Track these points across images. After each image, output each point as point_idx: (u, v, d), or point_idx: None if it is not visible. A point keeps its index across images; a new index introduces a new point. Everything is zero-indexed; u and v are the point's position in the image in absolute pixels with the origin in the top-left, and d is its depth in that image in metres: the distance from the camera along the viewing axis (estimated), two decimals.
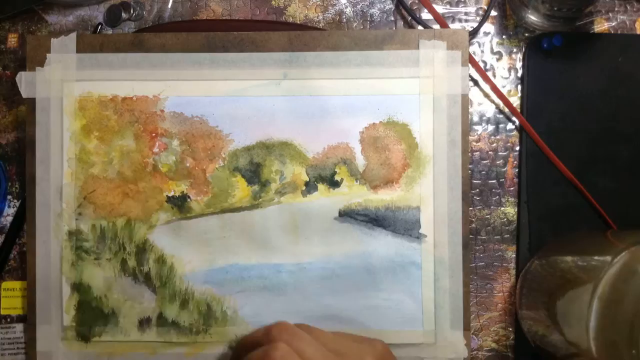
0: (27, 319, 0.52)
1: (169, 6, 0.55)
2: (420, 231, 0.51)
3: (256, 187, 0.52)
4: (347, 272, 0.51)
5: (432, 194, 0.51)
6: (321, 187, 0.52)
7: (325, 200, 0.52)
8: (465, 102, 0.51)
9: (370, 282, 0.51)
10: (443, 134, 0.51)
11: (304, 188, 0.52)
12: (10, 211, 0.54)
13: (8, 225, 0.54)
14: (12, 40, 0.55)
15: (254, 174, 0.52)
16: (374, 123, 0.52)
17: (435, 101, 0.51)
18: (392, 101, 0.51)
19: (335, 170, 0.52)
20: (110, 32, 0.55)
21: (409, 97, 0.51)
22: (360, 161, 0.52)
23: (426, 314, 0.51)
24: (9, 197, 0.55)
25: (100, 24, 0.55)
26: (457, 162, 0.51)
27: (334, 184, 0.52)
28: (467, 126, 0.51)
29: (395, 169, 0.51)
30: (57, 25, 0.56)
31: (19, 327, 0.54)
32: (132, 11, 0.55)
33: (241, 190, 0.52)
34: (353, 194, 0.52)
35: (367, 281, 0.51)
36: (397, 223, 0.51)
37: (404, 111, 0.51)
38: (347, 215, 0.51)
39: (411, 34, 0.51)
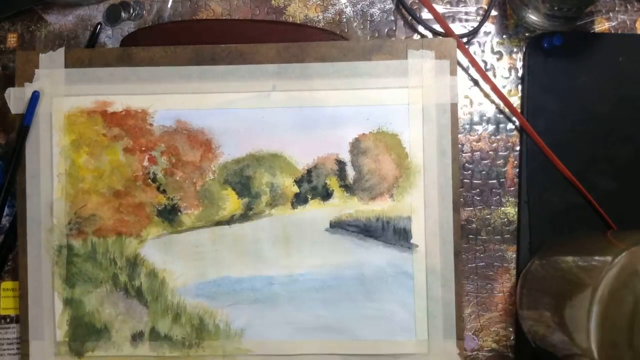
0: (20, 335, 0.52)
1: (169, 6, 0.55)
2: (411, 241, 0.51)
3: (247, 200, 0.52)
4: (339, 283, 0.51)
5: (422, 203, 0.51)
6: (312, 198, 0.52)
7: (316, 212, 0.52)
8: (455, 111, 0.51)
9: (363, 293, 0.51)
10: (433, 143, 0.51)
11: (294, 200, 0.52)
12: (9, 211, 0.54)
13: (8, 225, 0.54)
14: (12, 40, 0.55)
15: (244, 187, 0.52)
16: (363, 133, 0.52)
17: (425, 111, 0.51)
18: (381, 111, 0.51)
19: (326, 181, 0.52)
20: (110, 31, 0.55)
21: (398, 107, 0.51)
22: (350, 172, 0.52)
23: (419, 324, 0.51)
24: (8, 197, 0.54)
25: (99, 23, 0.55)
26: (447, 172, 0.51)
27: (324, 195, 0.52)
28: (456, 135, 0.51)
29: (385, 179, 0.51)
30: (56, 25, 0.56)
31: (18, 327, 0.53)
32: (131, 11, 0.54)
33: (232, 202, 0.52)
34: (344, 205, 0.52)
35: (359, 292, 0.51)
36: (389, 233, 0.51)
37: (394, 121, 0.51)
38: (338, 226, 0.51)
39: (399, 44, 0.51)
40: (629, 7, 0.54)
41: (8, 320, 0.54)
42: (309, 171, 0.52)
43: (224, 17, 0.55)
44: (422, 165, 0.51)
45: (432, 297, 0.50)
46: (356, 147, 0.52)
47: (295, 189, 0.52)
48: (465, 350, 0.51)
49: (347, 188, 0.52)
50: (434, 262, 0.51)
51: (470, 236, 0.53)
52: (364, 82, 0.51)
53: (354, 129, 0.52)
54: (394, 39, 0.54)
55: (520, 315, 0.50)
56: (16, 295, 0.54)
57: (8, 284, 0.54)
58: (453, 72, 0.51)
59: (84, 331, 0.52)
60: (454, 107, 0.51)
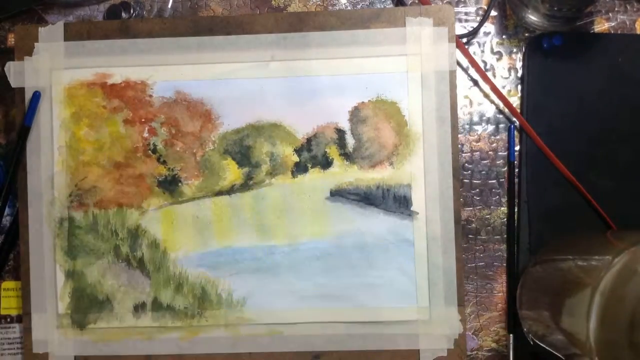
0: (22, 308, 0.52)
1: (169, 6, 0.55)
2: (412, 208, 0.51)
3: (247, 169, 0.52)
4: (341, 251, 0.51)
5: (422, 171, 0.51)
6: (312, 167, 0.52)
7: (316, 181, 0.52)
8: (453, 78, 0.51)
9: (364, 261, 0.51)
10: (432, 110, 0.51)
11: (294, 169, 0.52)
12: (10, 211, 0.54)
13: (8, 225, 0.54)
14: (12, 40, 0.55)
15: (245, 156, 0.52)
16: (362, 102, 0.52)
17: (423, 78, 0.51)
18: (380, 79, 0.51)
19: (326, 150, 0.52)
20: None
21: (397, 75, 0.51)
22: (350, 140, 0.52)
23: (420, 291, 0.51)
24: (9, 197, 0.54)
25: None
26: (446, 139, 0.51)
27: (324, 164, 0.52)
28: (455, 102, 0.51)
29: (385, 147, 0.52)
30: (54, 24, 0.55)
31: (19, 327, 0.54)
32: (132, 11, 0.54)
33: (232, 172, 0.52)
34: (344, 174, 0.52)
35: (360, 259, 0.51)
36: (389, 201, 0.51)
37: (393, 89, 0.51)
38: (339, 194, 0.52)
39: (397, 12, 0.52)
40: (628, 7, 0.54)
41: (9, 320, 0.54)
42: (309, 140, 0.52)
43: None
44: (421, 133, 0.51)
45: (432, 264, 0.51)
46: (355, 116, 0.52)
47: (295, 158, 0.52)
48: (465, 350, 0.51)
49: (347, 156, 0.52)
50: (435, 229, 0.51)
51: (470, 236, 0.53)
52: (362, 50, 0.51)
53: (353, 98, 0.52)
54: (391, 7, 0.54)
55: (520, 315, 0.50)
56: (17, 295, 0.54)
57: (9, 284, 0.54)
58: (451, 39, 0.51)
59: (86, 303, 0.52)
60: (452, 74, 0.51)
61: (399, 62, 0.51)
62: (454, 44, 0.51)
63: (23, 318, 0.52)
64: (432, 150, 0.51)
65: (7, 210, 0.54)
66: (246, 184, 0.52)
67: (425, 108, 0.51)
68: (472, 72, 0.54)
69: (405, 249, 0.51)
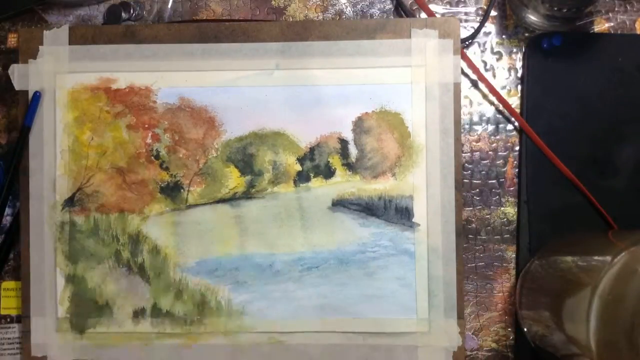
0: (22, 311, 0.52)
1: (169, 6, 0.55)
2: (413, 220, 0.51)
3: (249, 177, 0.52)
4: (341, 261, 0.51)
5: (425, 182, 0.51)
6: (314, 177, 0.52)
7: (319, 190, 0.52)
8: (458, 90, 0.51)
9: (364, 271, 0.51)
10: (435, 122, 0.51)
11: (297, 178, 0.52)
12: (10, 211, 0.54)
13: (8, 224, 0.54)
14: (12, 40, 0.55)
15: (247, 164, 0.52)
16: (366, 112, 0.52)
17: (428, 90, 0.51)
18: (384, 90, 0.51)
19: (328, 160, 0.52)
20: None
21: (401, 86, 0.51)
22: (353, 151, 0.52)
23: (420, 303, 0.51)
24: (9, 196, 0.54)
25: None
26: (449, 151, 0.51)
27: (327, 173, 0.52)
28: (459, 115, 0.51)
29: (388, 158, 0.52)
30: (57, 25, 0.55)
31: (19, 327, 0.54)
32: (132, 11, 0.54)
33: (234, 180, 0.52)
34: (346, 184, 0.52)
35: (360, 270, 0.51)
36: (390, 212, 0.51)
37: (396, 100, 0.51)
38: (341, 204, 0.52)
39: (403, 23, 0.52)
40: (628, 7, 0.54)
41: (8, 320, 0.54)
42: (312, 149, 0.52)
43: (224, 18, 0.55)
44: (424, 145, 0.51)
45: (433, 276, 0.51)
46: (359, 126, 0.52)
47: (298, 167, 0.52)
48: (465, 350, 0.51)
49: (350, 166, 0.52)
50: (436, 241, 0.51)
51: (470, 236, 0.53)
52: (367, 61, 0.51)
53: (356, 108, 0.52)
54: (397, 18, 0.54)
55: (520, 315, 0.50)
56: (17, 295, 0.54)
57: (9, 284, 0.54)
58: (456, 51, 0.51)
59: (86, 307, 0.52)
60: (457, 87, 0.51)
61: (404, 74, 0.51)
62: (459, 56, 0.51)
63: (22, 321, 0.52)
64: (434, 162, 0.51)
65: (7, 210, 0.54)
66: (248, 192, 0.52)
67: (428, 120, 0.51)
68: (472, 72, 0.54)
69: (406, 260, 0.51)
